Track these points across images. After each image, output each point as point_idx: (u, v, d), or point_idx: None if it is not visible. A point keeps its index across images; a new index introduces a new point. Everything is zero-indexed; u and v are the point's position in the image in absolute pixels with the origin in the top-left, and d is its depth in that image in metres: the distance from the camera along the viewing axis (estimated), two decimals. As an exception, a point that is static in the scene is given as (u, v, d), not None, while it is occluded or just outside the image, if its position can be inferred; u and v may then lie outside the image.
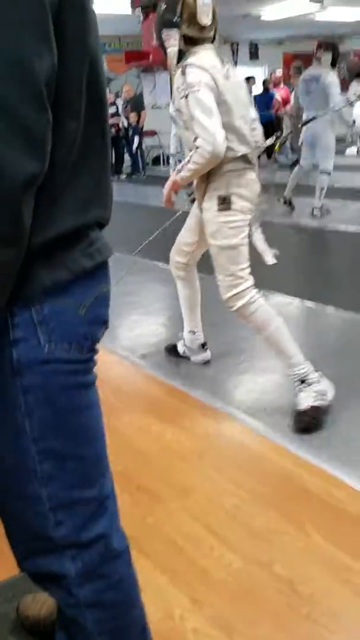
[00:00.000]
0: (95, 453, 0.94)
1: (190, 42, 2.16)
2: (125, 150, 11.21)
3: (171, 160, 10.60)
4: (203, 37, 2.18)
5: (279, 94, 9.88)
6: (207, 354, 2.81)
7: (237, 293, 2.27)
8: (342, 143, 11.30)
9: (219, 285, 2.33)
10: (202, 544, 1.70)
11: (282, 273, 4.10)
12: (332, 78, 5.50)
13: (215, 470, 2.04)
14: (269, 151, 9.96)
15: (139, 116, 10.74)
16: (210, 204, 2.25)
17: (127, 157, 11.28)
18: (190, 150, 2.15)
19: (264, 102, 9.15)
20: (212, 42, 2.22)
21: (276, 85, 10.27)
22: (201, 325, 2.74)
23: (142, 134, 10.90)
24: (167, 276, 2.91)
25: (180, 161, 9.81)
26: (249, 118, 2.23)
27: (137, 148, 10.97)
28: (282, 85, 10.51)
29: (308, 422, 2.20)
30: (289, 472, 2.00)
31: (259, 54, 14.84)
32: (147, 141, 12.11)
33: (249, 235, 2.31)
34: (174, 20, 2.12)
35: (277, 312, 2.34)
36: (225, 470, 2.04)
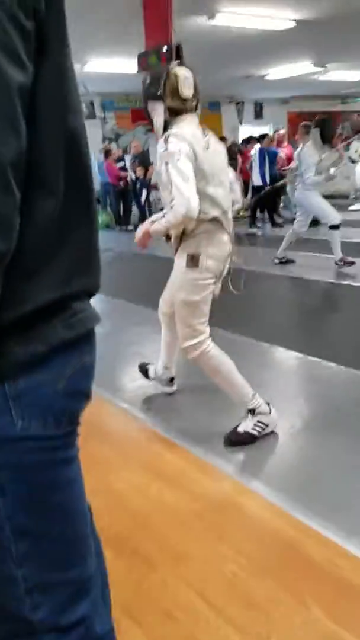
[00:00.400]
0: (75, 532, 0.89)
1: (173, 113, 2.33)
2: (133, 202, 11.48)
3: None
4: (185, 108, 2.34)
5: (283, 151, 10.11)
6: (173, 388, 3.11)
7: (193, 344, 2.49)
8: (344, 199, 11.53)
9: (178, 333, 2.56)
10: (198, 614, 1.63)
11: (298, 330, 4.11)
12: (306, 149, 6.00)
13: (214, 534, 1.97)
14: (271, 215, 10.21)
15: (146, 170, 11.05)
16: (180, 260, 2.45)
17: (135, 208, 11.52)
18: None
19: (267, 156, 9.36)
20: (195, 111, 2.38)
21: (280, 143, 10.54)
22: (175, 363, 3.03)
23: (149, 187, 11.16)
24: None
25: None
26: (226, 183, 2.43)
27: (145, 201, 11.23)
28: (285, 143, 10.79)
29: (232, 441, 2.53)
30: (290, 539, 1.93)
31: (264, 113, 15.36)
32: (155, 194, 12.41)
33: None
34: (158, 93, 2.30)
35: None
36: (224, 534, 1.97)
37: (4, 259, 0.67)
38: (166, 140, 2.24)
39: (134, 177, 11.20)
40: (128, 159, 11.53)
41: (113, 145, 12.20)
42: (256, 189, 9.39)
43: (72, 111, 0.78)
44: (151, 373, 3.12)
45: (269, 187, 8.88)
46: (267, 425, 2.55)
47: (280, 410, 2.67)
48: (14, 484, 0.80)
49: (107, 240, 8.34)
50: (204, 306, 2.47)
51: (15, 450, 0.79)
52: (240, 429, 2.54)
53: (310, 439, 2.61)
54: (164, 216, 2.32)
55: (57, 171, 0.76)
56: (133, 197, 11.38)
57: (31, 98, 0.69)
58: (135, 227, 10.80)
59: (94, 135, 12.31)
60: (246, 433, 2.53)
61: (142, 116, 6.16)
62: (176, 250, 2.47)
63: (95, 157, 10.63)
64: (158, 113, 2.33)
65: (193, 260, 2.39)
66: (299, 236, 6.47)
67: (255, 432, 2.53)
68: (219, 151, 2.44)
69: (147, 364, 3.18)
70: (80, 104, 0.81)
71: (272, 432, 2.60)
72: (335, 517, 2.01)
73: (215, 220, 2.37)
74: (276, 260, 6.61)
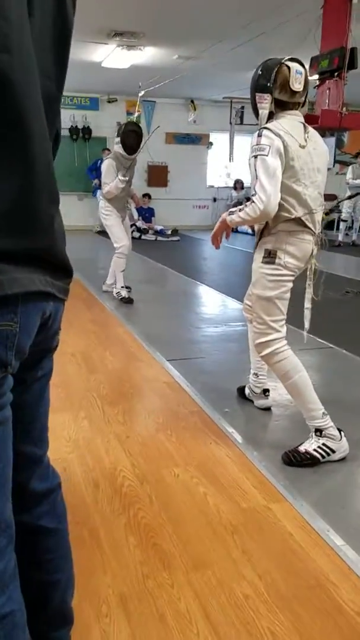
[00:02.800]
0: None
1: (280, 106, 2.28)
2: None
3: (341, 226, 10.39)
4: (293, 102, 2.29)
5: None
6: (267, 401, 2.94)
7: (265, 342, 2.42)
8: None
9: (253, 331, 2.53)
10: (190, 627, 1.55)
11: None
12: None
13: (242, 552, 1.85)
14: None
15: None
16: (258, 255, 2.42)
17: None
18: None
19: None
20: (302, 107, 2.33)
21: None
22: (266, 371, 2.86)
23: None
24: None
25: (350, 227, 9.61)
26: (319, 183, 2.34)
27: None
28: None
29: (291, 460, 2.37)
30: (323, 578, 1.74)
31: None
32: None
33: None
34: (267, 85, 2.25)
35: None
36: (253, 554, 1.84)
37: None
38: (260, 134, 2.20)
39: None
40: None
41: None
42: None
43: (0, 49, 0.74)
44: (246, 391, 3.04)
45: None
46: (333, 452, 2.37)
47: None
48: None
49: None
50: (280, 303, 2.40)
51: None
52: (302, 448, 2.38)
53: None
54: (241, 209, 2.29)
55: None
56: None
57: None
58: None
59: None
60: (307, 453, 2.37)
61: (306, 120, 6.08)
62: (256, 245, 2.43)
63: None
64: (264, 105, 2.27)
65: (270, 256, 2.35)
66: None
67: (317, 455, 2.36)
68: (319, 152, 2.35)
69: (242, 386, 3.09)
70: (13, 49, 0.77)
71: (343, 459, 2.39)
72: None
73: (299, 220, 2.30)
74: None
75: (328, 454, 2.36)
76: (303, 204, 2.27)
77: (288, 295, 2.42)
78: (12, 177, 0.79)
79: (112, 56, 8.19)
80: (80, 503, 2.07)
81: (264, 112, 2.28)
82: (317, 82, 5.63)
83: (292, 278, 2.39)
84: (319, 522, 2.01)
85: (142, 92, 9.01)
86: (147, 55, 8.18)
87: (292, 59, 2.28)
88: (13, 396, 0.93)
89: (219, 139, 12.83)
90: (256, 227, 2.42)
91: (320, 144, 2.37)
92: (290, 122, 2.26)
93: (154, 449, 2.50)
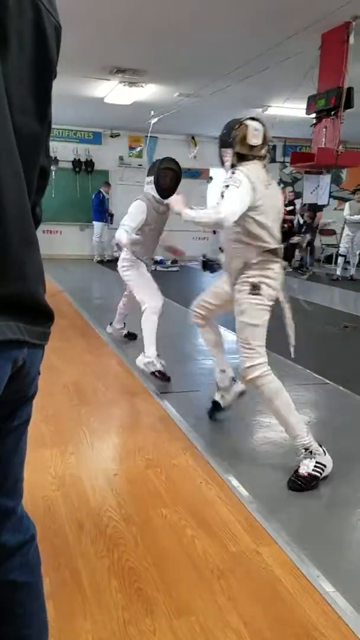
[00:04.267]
0: None
1: (241, 158, 2.58)
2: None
3: (339, 260, 10.46)
4: (252, 155, 2.58)
5: None
6: (240, 386, 3.11)
7: (253, 365, 2.59)
8: None
9: (240, 358, 2.66)
10: None
11: None
12: None
13: (228, 598, 1.79)
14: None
15: (314, 216, 10.87)
16: (243, 287, 2.64)
17: (297, 253, 11.37)
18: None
19: None
20: (263, 159, 2.62)
21: None
22: (228, 363, 3.13)
23: (314, 232, 10.94)
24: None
25: (348, 262, 9.85)
26: (278, 221, 2.66)
27: (307, 245, 11.03)
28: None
29: (301, 486, 2.48)
30: (311, 627, 1.67)
31: None
32: (325, 240, 12.19)
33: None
34: (229, 140, 2.58)
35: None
36: (239, 600, 1.78)
37: None
38: (233, 172, 2.49)
39: (301, 221, 11.07)
40: (299, 202, 11.45)
41: (287, 189, 12.20)
42: None
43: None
44: (217, 399, 3.22)
45: None
46: (325, 466, 2.54)
47: None
48: None
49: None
50: (264, 330, 2.64)
51: None
52: (304, 472, 2.51)
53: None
54: (202, 209, 2.63)
55: None
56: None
57: None
58: (295, 270, 10.91)
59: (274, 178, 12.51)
60: (310, 475, 2.50)
61: (300, 159, 6.14)
62: (236, 279, 2.68)
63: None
64: (227, 158, 2.60)
65: (255, 289, 2.59)
66: None
67: (317, 474, 2.51)
68: (277, 193, 2.73)
69: (213, 401, 3.26)
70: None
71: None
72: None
73: (274, 251, 2.60)
74: None
75: (323, 470, 2.52)
76: (273, 237, 2.59)
77: (267, 321, 2.66)
78: None
79: (114, 92, 8.37)
80: (63, 544, 2.01)
81: (227, 164, 2.60)
82: (314, 121, 5.72)
83: (271, 306, 2.66)
84: (309, 567, 1.95)
85: (154, 121, 9.15)
86: (148, 92, 8.36)
87: (252, 118, 2.60)
88: None
89: (218, 174, 13.03)
90: (234, 267, 2.68)
91: (276, 187, 2.73)
92: (255, 168, 2.55)
93: (143, 488, 2.45)
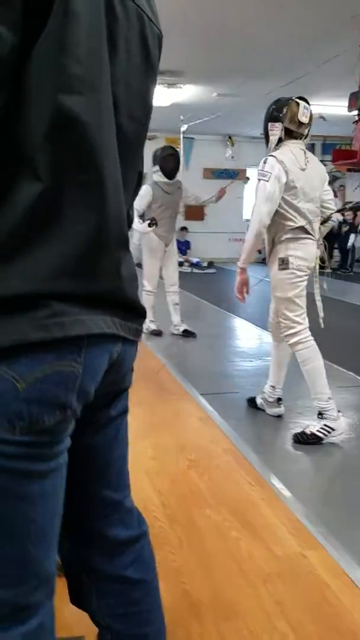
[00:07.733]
0: (19, 552, 0.81)
1: (287, 134, 2.78)
2: (336, 246, 11.15)
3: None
4: (298, 132, 2.79)
5: None
6: (281, 409, 3.24)
7: (292, 333, 2.86)
8: None
9: (282, 328, 2.90)
10: None
11: None
12: None
13: (275, 602, 1.76)
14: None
15: (355, 215, 10.66)
16: (273, 264, 2.87)
17: (336, 252, 11.17)
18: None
19: None
20: (305, 138, 2.84)
21: None
22: (282, 384, 3.21)
23: (358, 231, 10.75)
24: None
25: None
26: (316, 199, 2.82)
27: (351, 245, 10.85)
28: None
29: (300, 440, 2.84)
30: (362, 635, 1.63)
31: None
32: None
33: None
34: (279, 115, 2.76)
35: None
36: (287, 604, 1.75)
37: None
38: (265, 161, 2.71)
39: (341, 219, 10.88)
40: (338, 201, 11.27)
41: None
42: None
43: (68, 91, 0.72)
44: (258, 401, 3.32)
45: None
46: (333, 430, 2.79)
47: None
48: None
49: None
50: (298, 300, 2.84)
51: None
52: (308, 430, 2.84)
53: None
54: (244, 241, 2.86)
55: (44, 154, 0.72)
56: (336, 241, 11.04)
57: (20, 71, 0.68)
58: (333, 271, 10.70)
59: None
60: (312, 434, 2.82)
61: (342, 156, 6.03)
62: (269, 254, 2.90)
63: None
64: (275, 132, 2.77)
65: (284, 263, 2.80)
66: None
67: (320, 435, 2.81)
68: (317, 172, 2.86)
69: (252, 397, 3.39)
70: (78, 78, 0.73)
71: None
72: None
73: (301, 228, 2.78)
74: None
75: (329, 432, 2.80)
76: (303, 216, 2.77)
77: (304, 292, 2.86)
78: (84, 222, 0.78)
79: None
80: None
81: (274, 137, 2.77)
82: (356, 118, 5.62)
83: (305, 278, 2.83)
84: (357, 572, 1.90)
85: (185, 127, 9.17)
86: (187, 93, 8.36)
87: (300, 98, 2.78)
88: (84, 439, 0.91)
89: (255, 174, 12.94)
90: (266, 239, 2.86)
91: (317, 165, 2.89)
92: (293, 149, 2.75)
93: (185, 488, 2.44)
